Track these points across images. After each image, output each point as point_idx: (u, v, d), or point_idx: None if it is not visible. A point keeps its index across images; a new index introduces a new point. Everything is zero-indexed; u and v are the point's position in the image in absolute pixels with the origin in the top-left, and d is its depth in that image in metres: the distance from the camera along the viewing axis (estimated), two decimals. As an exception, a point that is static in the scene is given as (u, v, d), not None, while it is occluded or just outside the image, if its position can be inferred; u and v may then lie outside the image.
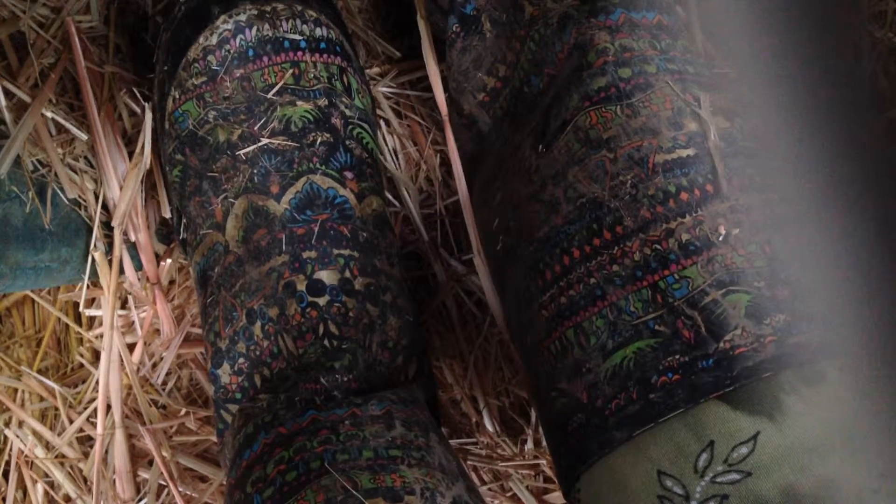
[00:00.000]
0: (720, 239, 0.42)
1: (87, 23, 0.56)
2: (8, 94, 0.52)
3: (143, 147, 0.55)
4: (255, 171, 0.51)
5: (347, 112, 0.53)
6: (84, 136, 0.55)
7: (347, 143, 0.52)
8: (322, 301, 0.50)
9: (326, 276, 0.50)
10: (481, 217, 0.54)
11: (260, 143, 0.50)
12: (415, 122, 0.61)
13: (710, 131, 0.44)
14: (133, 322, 0.62)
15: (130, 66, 0.58)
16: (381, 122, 0.60)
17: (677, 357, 0.42)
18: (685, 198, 0.43)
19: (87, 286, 0.57)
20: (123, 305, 0.61)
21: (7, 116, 0.52)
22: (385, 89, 0.61)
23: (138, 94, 0.57)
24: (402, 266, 0.55)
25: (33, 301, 0.64)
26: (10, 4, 0.52)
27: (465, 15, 0.53)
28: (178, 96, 0.52)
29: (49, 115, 0.53)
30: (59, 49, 0.55)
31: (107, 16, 0.57)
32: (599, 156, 0.45)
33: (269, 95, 0.50)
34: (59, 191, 0.55)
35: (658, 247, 0.43)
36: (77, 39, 0.54)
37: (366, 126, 0.54)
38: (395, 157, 0.60)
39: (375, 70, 0.61)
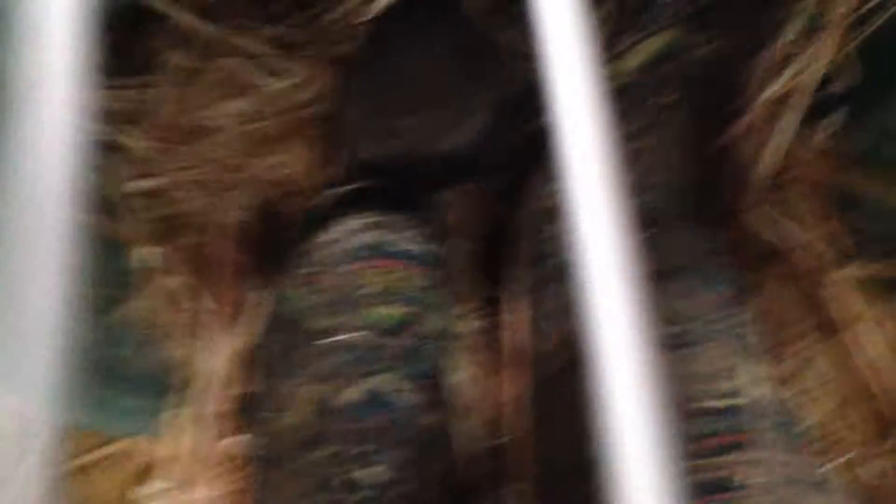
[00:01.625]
0: (737, 486, 0.43)
1: (233, 218, 0.64)
2: (149, 259, 0.61)
3: (245, 328, 0.61)
4: (330, 362, 0.55)
5: (432, 326, 0.57)
6: (196, 309, 0.61)
7: (424, 354, 0.56)
8: (356, 498, 0.51)
9: (368, 475, 0.52)
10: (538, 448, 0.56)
11: (342, 337, 0.55)
12: (492, 358, 0.65)
13: (744, 390, 0.46)
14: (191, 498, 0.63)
15: (257, 267, 0.65)
16: (461, 352, 0.64)
17: None
18: (712, 444, 0.44)
19: (153, 445, 0.61)
20: (183, 477, 0.63)
21: (140, 278, 0.60)
22: (469, 323, 0.65)
23: (254, 287, 0.63)
24: (450, 490, 0.56)
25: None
26: (174, 185, 0.62)
27: (547, 267, 0.58)
28: (285, 283, 0.58)
29: (175, 282, 0.61)
30: (204, 233, 0.63)
31: (252, 221, 0.66)
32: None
33: (363, 293, 0.56)
34: (158, 346, 0.60)
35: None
36: (220, 230, 0.63)
37: (445, 344, 0.58)
38: (465, 386, 0.63)
39: (466, 306, 0.66)
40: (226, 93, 0.63)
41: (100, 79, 0.62)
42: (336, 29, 0.66)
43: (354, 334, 0.55)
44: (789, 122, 0.63)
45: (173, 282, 0.61)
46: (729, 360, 0.48)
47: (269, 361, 0.58)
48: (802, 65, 0.63)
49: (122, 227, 0.60)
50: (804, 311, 0.64)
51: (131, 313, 0.59)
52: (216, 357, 0.61)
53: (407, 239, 0.58)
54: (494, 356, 0.65)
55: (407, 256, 0.57)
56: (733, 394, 0.46)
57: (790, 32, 0.63)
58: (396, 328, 0.56)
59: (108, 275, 0.59)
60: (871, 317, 0.62)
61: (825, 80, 0.64)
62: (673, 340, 0.49)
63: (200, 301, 0.62)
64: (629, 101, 0.58)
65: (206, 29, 0.62)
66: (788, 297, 0.64)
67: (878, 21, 0.60)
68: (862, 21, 0.61)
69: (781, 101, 0.64)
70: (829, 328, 0.64)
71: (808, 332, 0.63)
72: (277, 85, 0.64)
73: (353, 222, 0.57)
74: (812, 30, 0.63)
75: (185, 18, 0.61)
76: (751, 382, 0.47)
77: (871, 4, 0.60)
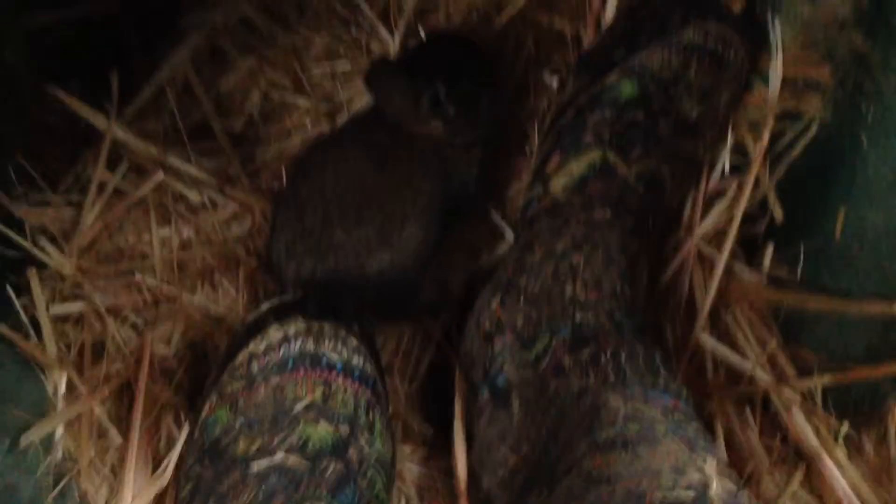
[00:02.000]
0: None
1: (162, 351, 0.62)
2: (69, 386, 0.57)
3: (166, 467, 0.56)
4: (263, 489, 0.50)
5: (366, 449, 0.53)
6: (118, 442, 0.57)
7: (359, 481, 0.52)
8: None
9: None
10: None
11: (274, 459, 0.51)
12: (436, 495, 0.61)
13: (713, 482, 0.43)
14: None
15: (185, 402, 0.62)
16: (403, 498, 0.60)
17: None
18: None
19: None
20: None
21: (59, 404, 0.56)
22: (414, 466, 0.62)
23: (182, 421, 0.60)
24: None
25: None
26: (99, 310, 0.60)
27: (496, 387, 0.56)
28: (214, 401, 0.54)
29: (96, 411, 0.57)
30: (130, 364, 0.60)
31: (181, 354, 0.63)
32: (599, 490, 0.45)
33: (296, 409, 0.53)
34: (74, 485, 0.55)
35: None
36: (147, 362, 0.60)
37: (381, 472, 0.54)
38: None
39: (409, 448, 0.62)
40: (157, 218, 0.63)
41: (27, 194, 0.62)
42: (270, 165, 0.68)
43: (286, 456, 0.51)
44: (725, 250, 0.65)
45: (93, 412, 0.57)
46: (693, 454, 0.46)
47: (193, 499, 0.53)
48: (730, 198, 0.66)
49: (42, 349, 0.57)
50: (770, 436, 0.62)
51: (44, 442, 0.55)
52: (138, 495, 0.56)
53: (335, 348, 0.55)
54: (438, 494, 0.62)
55: (336, 368, 0.55)
56: (701, 485, 0.44)
57: (717, 167, 0.66)
58: (330, 448, 0.52)
59: (22, 399, 0.55)
60: (836, 440, 0.61)
61: (756, 212, 0.66)
62: (631, 437, 0.47)
63: (121, 433, 0.58)
64: (559, 218, 0.59)
65: (143, 149, 0.62)
66: (752, 421, 0.62)
67: (795, 152, 0.63)
68: (780, 155, 0.64)
69: (717, 232, 0.66)
70: (799, 453, 0.62)
71: (779, 458, 0.61)
72: (211, 215, 0.64)
73: (281, 332, 0.55)
74: (736, 164, 0.66)
75: (123, 136, 0.62)
76: (717, 475, 0.44)
77: (785, 140, 0.64)
